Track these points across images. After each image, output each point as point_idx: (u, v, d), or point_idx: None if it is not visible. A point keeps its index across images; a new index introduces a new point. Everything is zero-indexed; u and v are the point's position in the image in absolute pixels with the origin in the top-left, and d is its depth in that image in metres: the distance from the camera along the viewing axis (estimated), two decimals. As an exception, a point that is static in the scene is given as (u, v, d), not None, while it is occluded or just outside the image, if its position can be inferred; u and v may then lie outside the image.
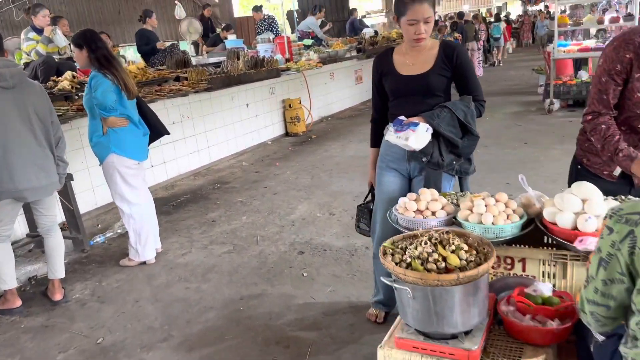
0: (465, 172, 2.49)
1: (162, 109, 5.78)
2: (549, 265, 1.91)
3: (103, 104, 3.38)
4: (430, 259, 1.67)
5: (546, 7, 27.14)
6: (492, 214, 1.94)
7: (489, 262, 1.63)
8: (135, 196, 3.76)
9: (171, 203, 5.35)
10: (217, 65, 7.40)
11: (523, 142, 6.35)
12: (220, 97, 6.83)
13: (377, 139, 2.69)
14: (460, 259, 1.68)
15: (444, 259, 1.68)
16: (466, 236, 1.84)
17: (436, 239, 1.76)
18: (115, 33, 11.18)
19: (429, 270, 1.65)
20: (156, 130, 3.90)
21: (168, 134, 4.02)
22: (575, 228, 1.81)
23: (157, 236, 4.03)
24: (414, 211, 2.09)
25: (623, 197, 2.04)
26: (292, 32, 10.01)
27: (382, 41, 10.81)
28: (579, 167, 2.27)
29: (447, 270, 1.66)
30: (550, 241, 2.05)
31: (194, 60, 7.66)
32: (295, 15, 11.98)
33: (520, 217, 1.96)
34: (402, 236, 1.88)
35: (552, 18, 20.29)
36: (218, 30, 9.81)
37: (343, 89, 9.94)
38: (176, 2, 9.59)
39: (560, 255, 1.87)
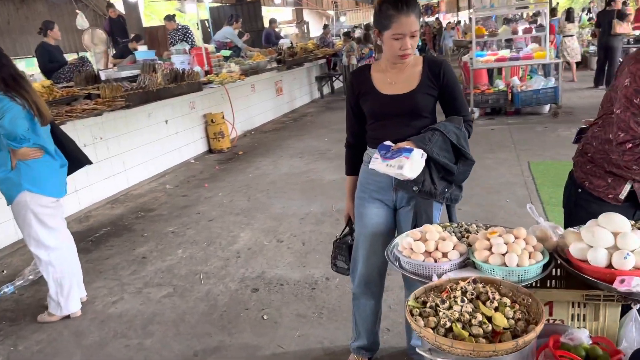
0: (455, 199, 2.27)
1: (71, 131, 5.10)
2: (578, 307, 1.71)
3: (13, 133, 2.79)
4: (474, 322, 1.40)
5: (437, 19, 28.49)
6: (516, 253, 1.71)
7: (542, 320, 1.38)
8: (54, 239, 3.17)
9: (89, 238, 4.70)
10: (131, 79, 6.75)
11: (455, 152, 6.36)
12: (136, 115, 6.21)
13: (353, 166, 2.40)
14: (507, 318, 1.42)
15: (489, 318, 1.42)
16: (496, 284, 1.59)
17: (472, 293, 1.50)
18: (5, 45, 9.96)
19: (475, 337, 1.37)
20: (75, 160, 3.33)
21: (90, 163, 3.46)
22: (609, 266, 1.63)
23: (81, 283, 3.45)
24: (422, 253, 1.82)
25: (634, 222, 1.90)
26: (206, 43, 9.47)
27: (300, 52, 10.59)
28: (580, 190, 2.12)
29: (495, 333, 1.40)
30: (559, 273, 1.88)
31: (102, 75, 6.94)
32: (207, 24, 11.44)
33: (542, 254, 1.75)
34: (424, 289, 1.59)
35: (452, 28, 21.30)
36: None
37: (264, 101, 9.58)
38: (77, 11, 8.72)
39: (593, 297, 1.68)
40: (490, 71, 9.02)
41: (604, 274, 1.63)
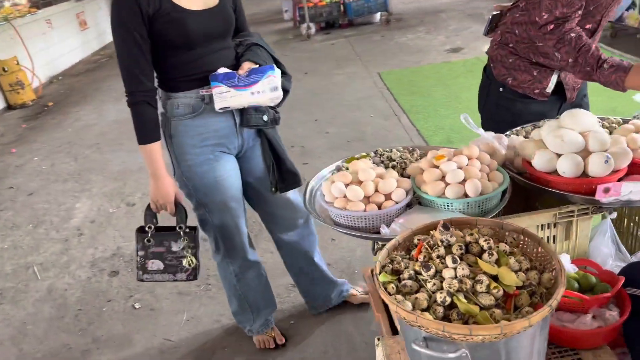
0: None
1: None
2: (548, 228, 1.43)
3: None
4: (480, 288, 1.00)
5: None
6: (477, 178, 1.34)
7: (558, 264, 1.03)
8: None
9: None
10: None
11: (303, 72, 5.94)
12: None
13: (158, 127, 1.69)
14: (514, 271, 1.05)
15: (493, 278, 1.03)
16: (471, 225, 1.21)
17: (460, 246, 1.09)
18: None
19: (486, 309, 0.98)
20: None
21: None
22: (583, 174, 1.35)
23: None
24: (361, 200, 1.36)
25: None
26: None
27: (101, -25, 8.98)
28: (502, 89, 1.82)
29: (506, 296, 1.02)
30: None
31: None
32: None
33: (502, 174, 1.41)
34: (387, 252, 1.15)
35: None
36: None
37: (67, 38, 8.02)
38: None
39: (566, 214, 1.40)
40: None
41: (580, 185, 1.35)
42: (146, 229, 1.70)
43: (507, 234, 1.17)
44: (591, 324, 1.19)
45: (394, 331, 1.34)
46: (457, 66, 5.40)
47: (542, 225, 1.42)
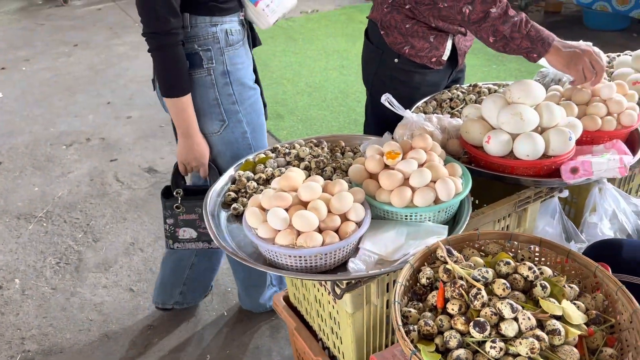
0: None
1: None
2: (503, 220, 1.24)
3: None
4: (558, 340, 0.74)
5: None
6: (445, 176, 1.07)
7: (614, 281, 0.83)
8: None
9: None
10: None
11: (71, 44, 4.90)
12: None
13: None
14: (574, 303, 0.81)
15: (557, 318, 0.78)
16: (472, 241, 0.94)
17: (506, 286, 0.80)
18: None
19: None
20: None
21: None
22: (545, 155, 1.18)
23: None
24: (316, 230, 0.97)
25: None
26: None
27: None
28: (397, 60, 1.56)
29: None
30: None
31: None
32: None
33: (460, 167, 1.16)
34: (399, 307, 0.80)
35: None
36: None
37: None
38: None
39: (523, 202, 1.22)
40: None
41: (541, 168, 1.18)
42: (174, 194, 1.45)
43: (519, 247, 0.93)
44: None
45: None
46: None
47: (498, 220, 1.23)
